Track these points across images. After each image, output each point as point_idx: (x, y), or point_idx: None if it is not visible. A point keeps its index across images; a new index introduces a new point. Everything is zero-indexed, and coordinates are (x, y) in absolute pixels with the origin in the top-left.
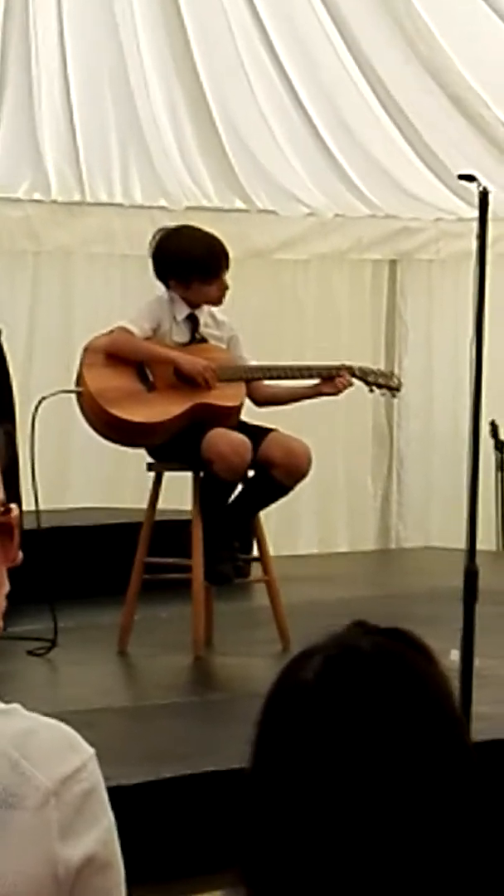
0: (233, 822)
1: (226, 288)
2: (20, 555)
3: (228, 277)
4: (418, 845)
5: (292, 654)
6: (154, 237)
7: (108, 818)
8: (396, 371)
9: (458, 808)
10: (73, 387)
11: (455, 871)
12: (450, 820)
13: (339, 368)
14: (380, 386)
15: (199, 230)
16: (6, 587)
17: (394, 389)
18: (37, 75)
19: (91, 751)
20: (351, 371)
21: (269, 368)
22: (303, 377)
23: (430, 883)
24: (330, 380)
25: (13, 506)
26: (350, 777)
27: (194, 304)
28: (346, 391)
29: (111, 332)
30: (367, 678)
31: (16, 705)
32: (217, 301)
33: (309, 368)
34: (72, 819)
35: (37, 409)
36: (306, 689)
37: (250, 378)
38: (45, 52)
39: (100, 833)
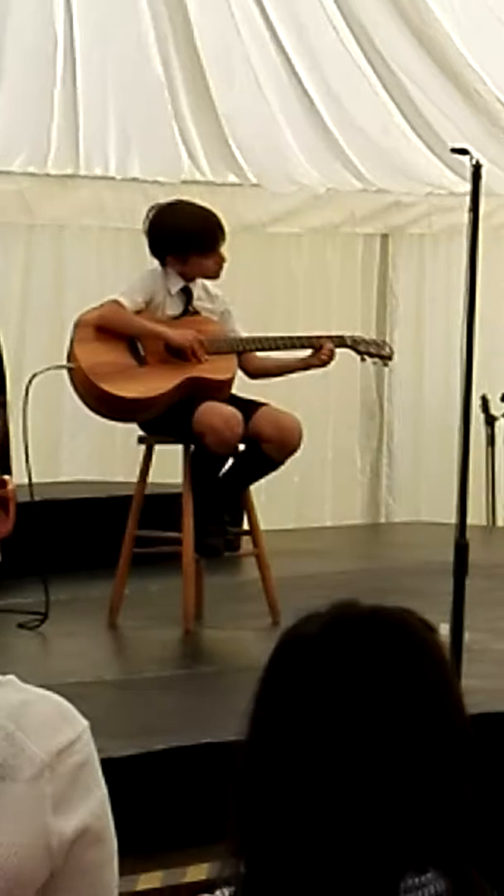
0: (227, 792)
1: (223, 261)
2: (10, 525)
3: (224, 250)
4: (418, 801)
5: (282, 627)
6: (148, 214)
7: (102, 791)
8: None
9: (456, 767)
10: (64, 361)
11: (451, 831)
12: (448, 777)
13: (329, 338)
14: (371, 355)
15: (192, 204)
16: None
17: (386, 358)
18: (37, 49)
19: (85, 723)
20: (342, 340)
21: (259, 340)
22: (294, 348)
23: (429, 839)
24: (320, 351)
25: (8, 478)
26: (350, 729)
27: (189, 278)
28: (336, 364)
29: (102, 305)
30: (368, 631)
31: (11, 677)
32: (215, 274)
33: (300, 339)
34: (65, 791)
35: (29, 384)
36: (309, 641)
37: (241, 350)
38: (50, 24)
39: (93, 805)
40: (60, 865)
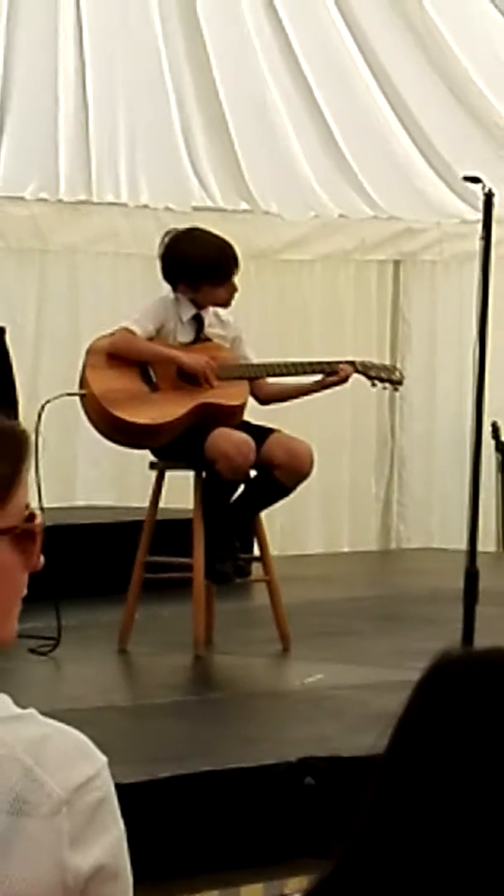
0: (251, 817)
1: (235, 290)
2: (41, 560)
3: (237, 279)
4: None
5: (292, 654)
6: (163, 239)
7: (119, 828)
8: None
9: None
10: (77, 387)
11: None
12: None
13: (340, 363)
14: (382, 380)
15: (208, 233)
16: (24, 592)
17: (396, 383)
18: (51, 76)
19: (104, 759)
20: (353, 366)
21: (271, 366)
22: (305, 373)
23: None
24: (333, 375)
25: (37, 512)
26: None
27: (200, 305)
28: (351, 390)
29: (113, 333)
30: None
31: (32, 711)
32: (226, 303)
33: (311, 364)
34: (83, 828)
35: (41, 410)
36: (460, 660)
37: (253, 376)
38: (61, 51)
39: (110, 843)
40: None
